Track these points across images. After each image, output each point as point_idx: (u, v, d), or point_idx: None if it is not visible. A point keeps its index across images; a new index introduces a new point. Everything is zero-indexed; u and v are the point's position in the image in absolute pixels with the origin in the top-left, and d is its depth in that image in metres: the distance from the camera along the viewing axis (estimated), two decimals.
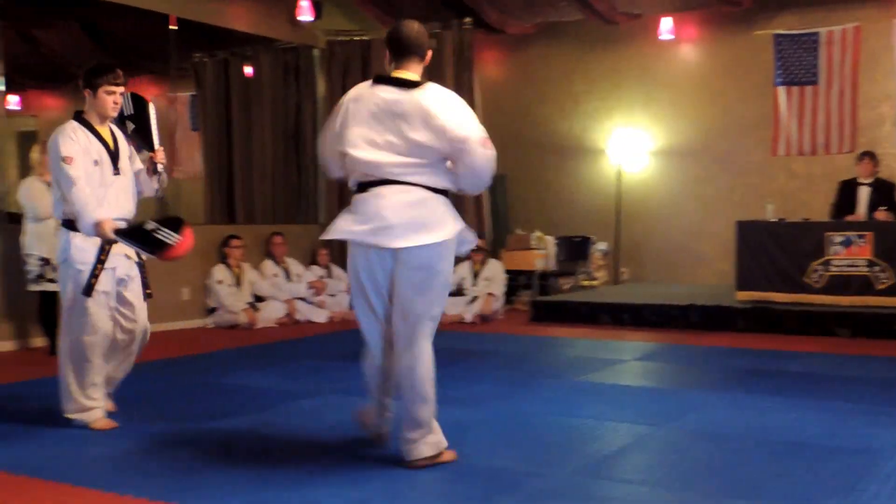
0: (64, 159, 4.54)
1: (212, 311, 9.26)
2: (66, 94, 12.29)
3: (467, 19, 10.39)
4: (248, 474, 3.90)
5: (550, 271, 10.82)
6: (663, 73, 11.13)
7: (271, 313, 9.29)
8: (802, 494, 3.57)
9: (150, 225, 4.51)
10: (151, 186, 4.93)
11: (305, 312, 9.54)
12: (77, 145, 4.61)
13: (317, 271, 10.02)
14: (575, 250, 10.97)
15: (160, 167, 4.83)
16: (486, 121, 10.15)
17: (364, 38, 10.85)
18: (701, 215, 10.93)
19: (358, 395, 5.30)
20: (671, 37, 10.80)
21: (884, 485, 3.66)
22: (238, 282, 9.28)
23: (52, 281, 6.92)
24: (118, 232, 4.55)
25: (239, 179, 10.92)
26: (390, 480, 3.78)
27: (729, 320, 8.43)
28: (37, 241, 7.09)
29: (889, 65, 9.93)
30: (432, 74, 10.15)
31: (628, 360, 6.97)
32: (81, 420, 4.69)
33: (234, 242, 9.35)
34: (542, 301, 9.68)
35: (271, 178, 10.97)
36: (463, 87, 10.25)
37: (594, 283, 10.95)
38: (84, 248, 4.62)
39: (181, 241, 4.47)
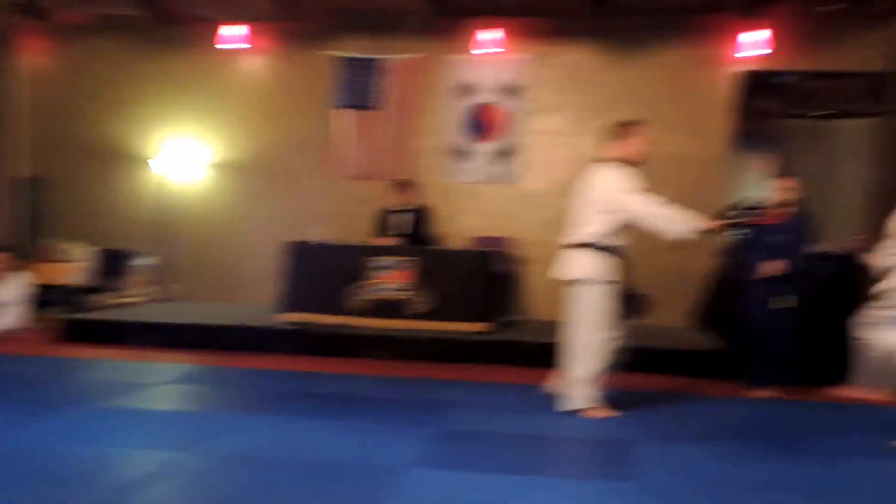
0: None
1: None
2: None
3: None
4: None
5: (87, 286, 10.47)
6: (224, 83, 11.26)
7: None
8: None
9: None
10: None
11: None
12: None
13: None
14: (116, 264, 10.71)
15: None
16: (27, 117, 9.83)
17: None
18: (255, 233, 11.18)
19: None
20: (233, 46, 10.96)
21: (399, 499, 4.04)
22: None
23: None
24: None
25: None
26: None
27: (271, 342, 8.67)
28: None
29: (440, 98, 10.94)
30: None
31: (165, 382, 6.91)
32: None
33: None
34: (75, 319, 9.27)
35: None
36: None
37: (136, 300, 10.75)
38: None
39: None
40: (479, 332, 8.70)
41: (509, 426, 5.70)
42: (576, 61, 10.91)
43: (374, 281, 8.92)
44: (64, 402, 6.00)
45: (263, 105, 11.26)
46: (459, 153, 10.97)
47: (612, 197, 5.86)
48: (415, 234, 9.43)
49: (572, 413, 5.99)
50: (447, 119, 10.94)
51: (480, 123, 10.94)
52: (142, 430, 5.29)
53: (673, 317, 10.00)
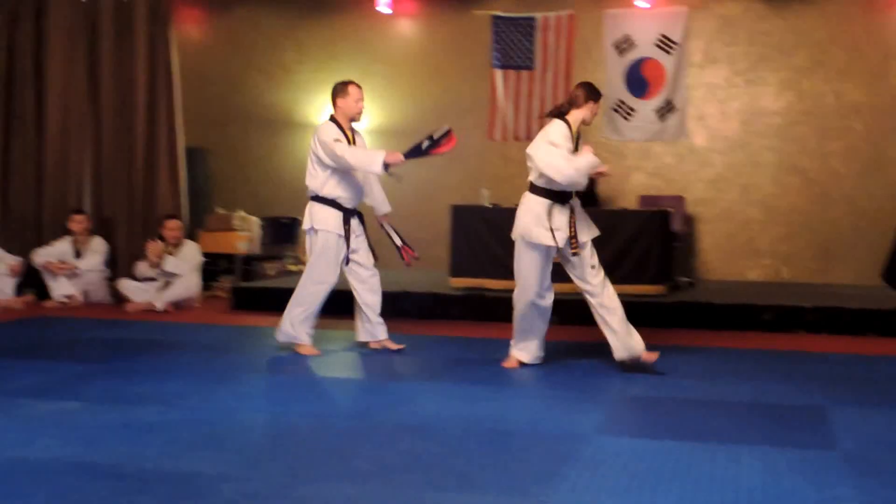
0: None
1: None
2: None
3: None
4: None
5: (255, 255, 10.72)
6: (380, 47, 11.33)
7: None
8: (508, 482, 3.76)
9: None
10: None
11: None
12: None
13: None
14: (282, 232, 10.91)
15: None
16: (186, 88, 10.12)
17: None
18: (416, 198, 11.21)
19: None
20: (389, 10, 11.00)
21: (584, 469, 3.94)
22: None
23: None
24: None
25: None
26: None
27: (443, 308, 8.71)
28: None
29: (599, 55, 10.70)
30: (121, 32, 9.75)
31: (339, 350, 7.02)
32: None
33: None
34: (245, 287, 9.55)
35: None
36: (157, 48, 9.88)
37: (303, 267, 10.94)
38: None
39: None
40: (654, 295, 8.52)
41: (694, 391, 5.55)
42: (732, 12, 10.51)
43: None
44: (241, 369, 6.20)
45: (418, 68, 11.27)
46: (624, 110, 10.73)
47: (320, 150, 6.52)
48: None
49: (285, 346, 6.70)
50: (609, 76, 10.69)
51: (642, 79, 10.67)
52: (323, 398, 5.41)
53: (858, 274, 9.57)
